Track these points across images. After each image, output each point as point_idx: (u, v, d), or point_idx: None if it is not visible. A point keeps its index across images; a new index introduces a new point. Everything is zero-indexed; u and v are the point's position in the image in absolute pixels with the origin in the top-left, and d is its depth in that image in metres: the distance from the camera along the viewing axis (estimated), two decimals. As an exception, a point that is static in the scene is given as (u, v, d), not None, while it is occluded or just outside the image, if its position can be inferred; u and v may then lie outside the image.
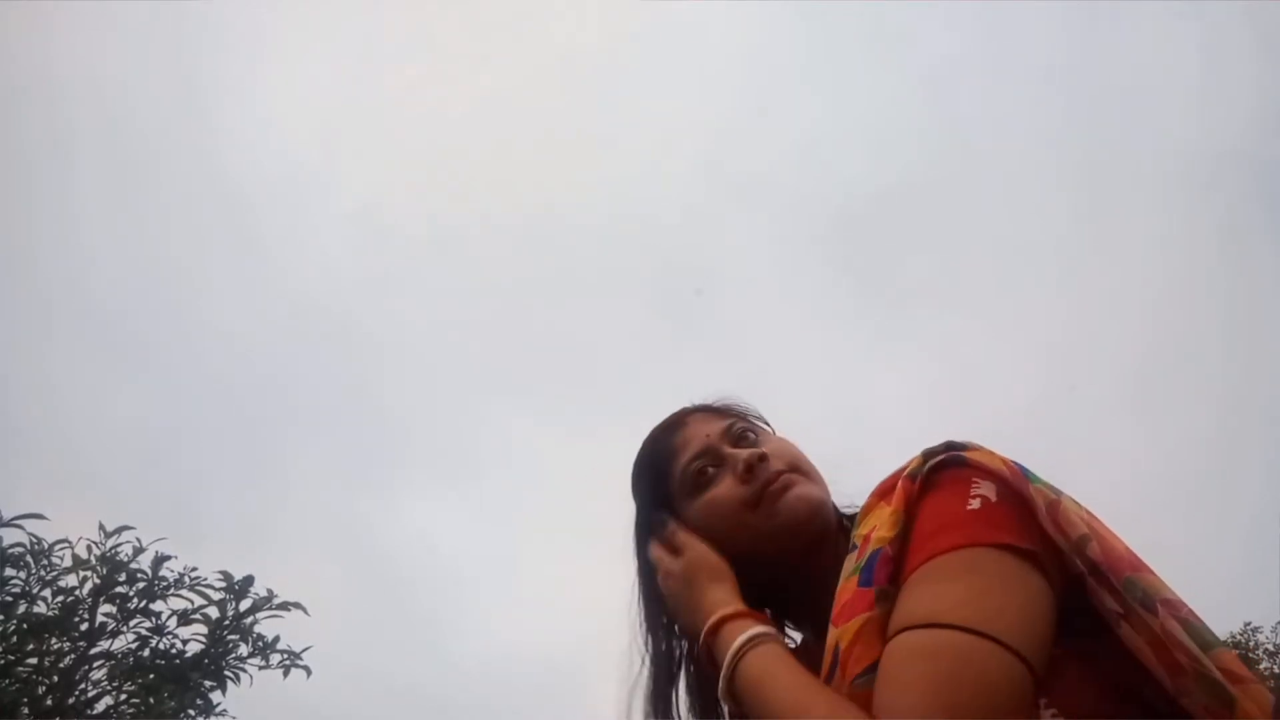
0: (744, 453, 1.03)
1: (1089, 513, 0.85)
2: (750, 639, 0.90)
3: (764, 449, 1.03)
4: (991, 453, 0.88)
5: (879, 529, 0.86)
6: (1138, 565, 0.82)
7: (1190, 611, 0.79)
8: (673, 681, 1.05)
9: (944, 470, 0.88)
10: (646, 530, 1.09)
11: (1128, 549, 0.84)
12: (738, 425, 1.09)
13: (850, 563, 0.88)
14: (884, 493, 0.92)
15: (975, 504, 0.83)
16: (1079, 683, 0.79)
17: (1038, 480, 0.85)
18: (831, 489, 1.06)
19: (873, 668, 0.78)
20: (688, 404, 1.16)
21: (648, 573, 1.08)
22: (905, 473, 0.89)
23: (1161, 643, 0.77)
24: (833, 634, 0.84)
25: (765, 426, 1.14)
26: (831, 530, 1.02)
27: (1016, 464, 0.87)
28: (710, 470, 1.04)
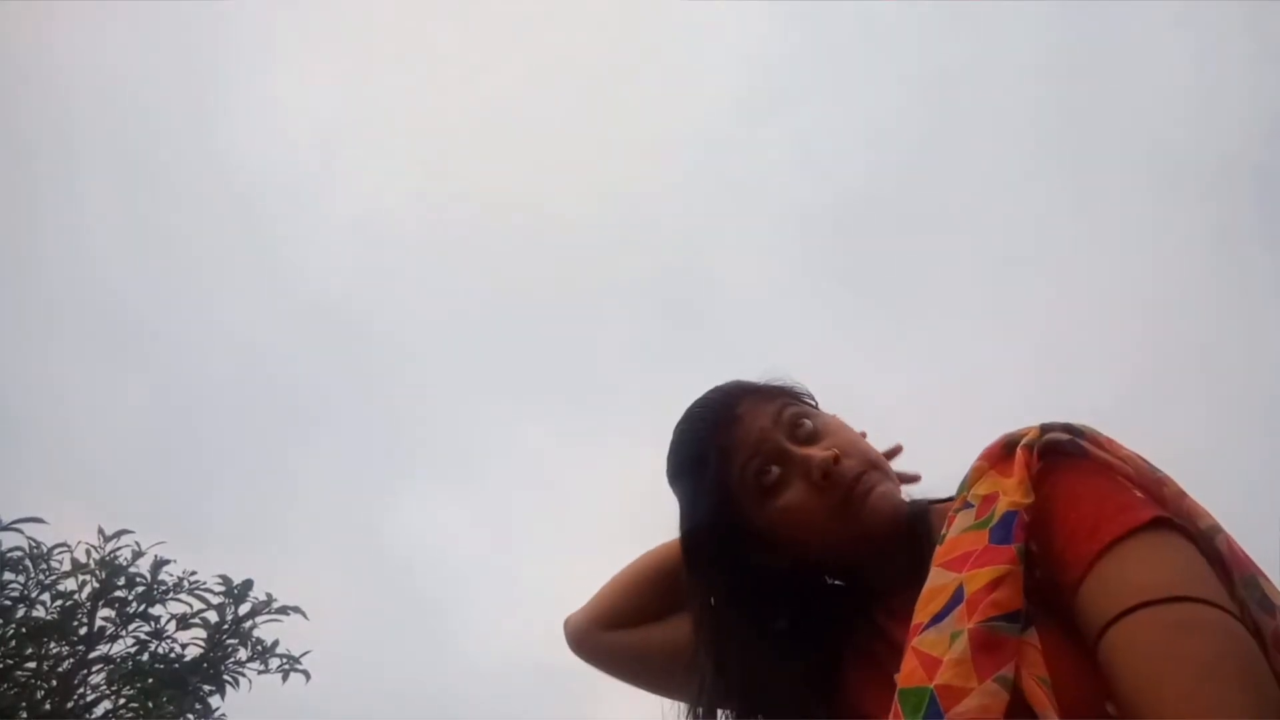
0: (816, 456, 0.95)
1: (1204, 509, 0.85)
2: None
3: (835, 449, 0.96)
4: (1113, 442, 0.87)
5: (1008, 493, 0.84)
6: (1258, 569, 0.82)
7: None
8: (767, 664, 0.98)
9: (1073, 457, 0.86)
10: (701, 538, 1.02)
11: (1242, 549, 0.83)
12: (789, 411, 1.00)
13: (966, 518, 0.86)
14: (994, 458, 0.90)
15: (1138, 491, 0.82)
16: None
17: (1160, 472, 0.85)
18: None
19: (1012, 616, 0.76)
20: (727, 382, 1.06)
21: (713, 586, 1.02)
22: (1022, 442, 0.87)
23: (1267, 648, 0.75)
24: (949, 577, 0.82)
25: (813, 406, 1.06)
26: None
27: (1140, 456, 0.86)
28: (774, 470, 0.96)
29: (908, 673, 0.78)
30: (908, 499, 1.03)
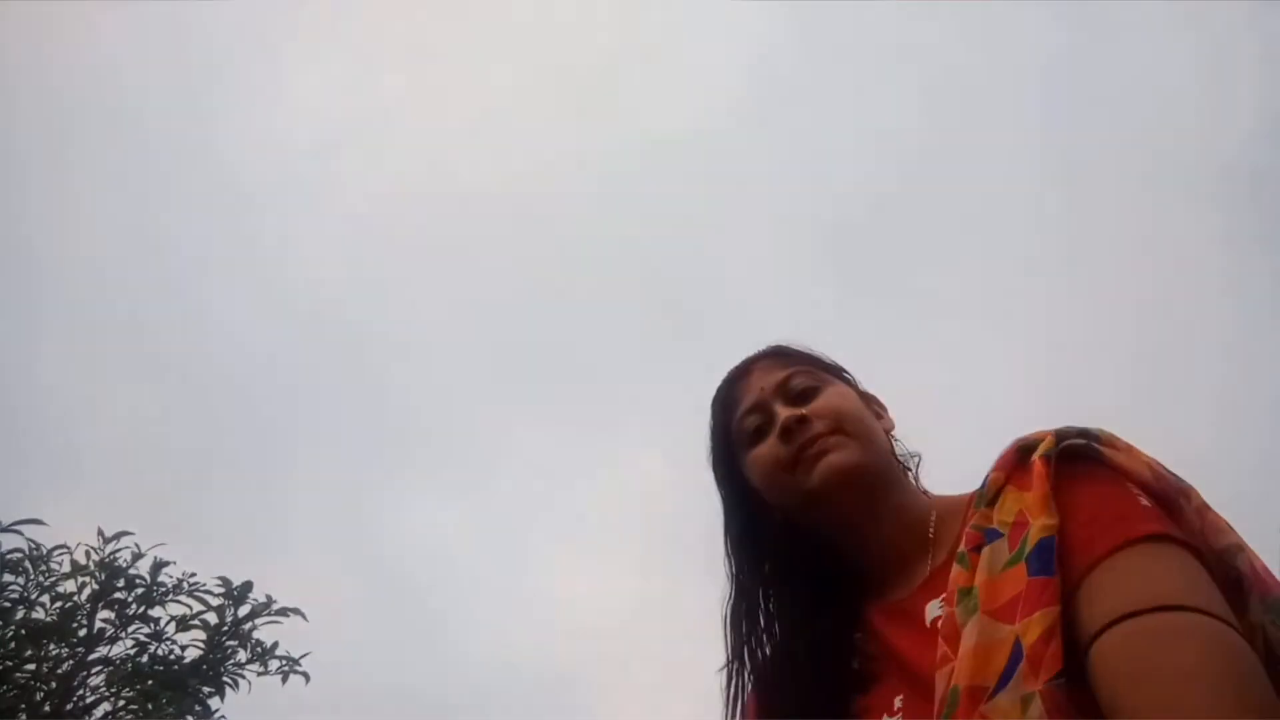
0: (784, 413, 1.01)
1: (1228, 524, 0.83)
2: None
3: (805, 409, 1.00)
4: (1131, 449, 0.85)
5: (1038, 516, 0.81)
6: None
7: None
8: (758, 603, 1.05)
9: (1087, 463, 0.84)
10: (720, 465, 1.10)
11: (1266, 568, 0.81)
12: (797, 378, 1.05)
13: (999, 553, 0.82)
14: (1009, 467, 0.87)
15: (1145, 501, 0.80)
16: None
17: (1184, 482, 0.83)
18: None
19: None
20: (762, 348, 1.13)
21: (729, 501, 1.10)
22: (1038, 452, 0.85)
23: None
24: (1003, 631, 0.77)
25: (833, 377, 1.09)
26: (884, 488, 0.99)
27: (1160, 464, 0.84)
28: (762, 426, 1.03)
29: None
30: (928, 495, 1.04)
